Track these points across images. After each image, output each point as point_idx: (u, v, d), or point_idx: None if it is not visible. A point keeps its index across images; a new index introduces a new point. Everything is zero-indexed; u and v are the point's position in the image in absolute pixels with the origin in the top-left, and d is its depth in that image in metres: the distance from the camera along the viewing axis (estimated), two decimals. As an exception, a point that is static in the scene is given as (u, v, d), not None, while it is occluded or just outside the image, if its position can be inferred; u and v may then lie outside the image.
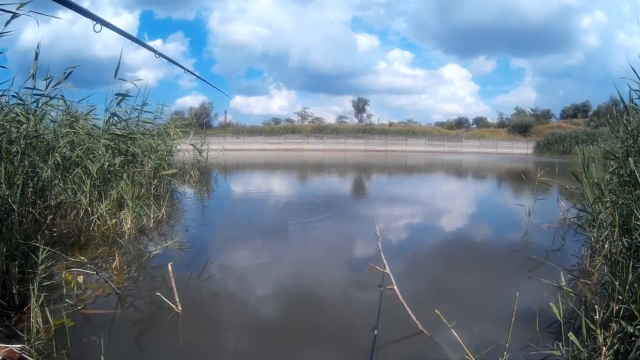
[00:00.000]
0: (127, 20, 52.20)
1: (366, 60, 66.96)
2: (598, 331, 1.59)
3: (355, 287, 2.75)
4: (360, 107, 45.16)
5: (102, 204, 3.97)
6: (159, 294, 2.26)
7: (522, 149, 32.03)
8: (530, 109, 43.09)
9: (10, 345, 1.62)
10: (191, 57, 57.84)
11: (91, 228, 3.78)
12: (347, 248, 3.88)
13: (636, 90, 2.64)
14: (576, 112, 41.58)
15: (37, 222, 3.31)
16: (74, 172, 3.97)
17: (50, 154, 3.61)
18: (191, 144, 7.71)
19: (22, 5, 2.23)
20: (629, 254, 1.98)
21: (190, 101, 51.84)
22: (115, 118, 4.86)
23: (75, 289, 2.37)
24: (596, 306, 1.71)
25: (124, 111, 5.09)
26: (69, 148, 4.12)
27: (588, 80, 58.31)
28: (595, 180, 3.09)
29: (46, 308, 1.92)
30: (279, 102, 61.42)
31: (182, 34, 73.79)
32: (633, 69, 2.56)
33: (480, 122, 45.16)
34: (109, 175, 4.38)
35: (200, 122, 20.01)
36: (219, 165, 11.26)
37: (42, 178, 3.39)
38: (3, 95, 3.28)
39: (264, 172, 13.76)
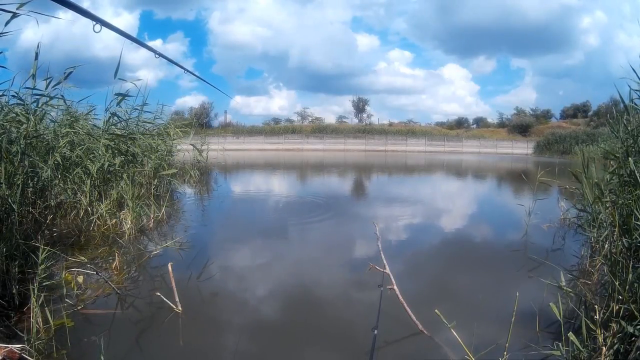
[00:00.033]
0: (127, 20, 52.22)
1: (366, 60, 67.01)
2: (598, 331, 1.59)
3: (355, 287, 2.75)
4: (360, 107, 45.20)
5: (102, 204, 3.97)
6: (159, 294, 2.26)
7: (522, 149, 32.03)
8: (530, 109, 43.14)
9: (10, 345, 1.62)
10: (191, 57, 57.87)
11: (91, 228, 3.78)
12: (347, 248, 3.88)
13: (636, 90, 2.65)
14: (576, 112, 41.57)
15: (37, 222, 3.31)
16: (74, 172, 3.97)
17: (50, 154, 3.61)
18: (191, 144, 7.72)
19: (22, 5, 2.23)
20: (629, 254, 1.98)
21: (190, 101, 51.89)
22: (115, 118, 4.86)
23: (75, 289, 2.37)
24: (596, 306, 1.71)
25: (124, 111, 5.09)
26: (69, 148, 4.12)
27: (588, 80, 58.35)
28: (595, 180, 3.09)
29: (46, 308, 1.92)
30: (279, 102, 61.48)
31: (182, 34, 73.80)
32: (633, 69, 2.56)
33: (480, 122, 45.16)
34: (109, 175, 4.38)
35: (200, 122, 19.99)
36: (219, 165, 11.26)
37: (42, 178, 3.39)
38: (3, 95, 3.28)
39: (264, 172, 13.76)
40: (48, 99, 3.75)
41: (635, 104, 2.74)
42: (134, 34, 1.93)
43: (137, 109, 5.22)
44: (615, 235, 2.10)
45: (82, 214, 3.92)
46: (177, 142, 7.06)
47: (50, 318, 1.92)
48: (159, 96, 26.73)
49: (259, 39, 65.35)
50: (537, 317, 2.06)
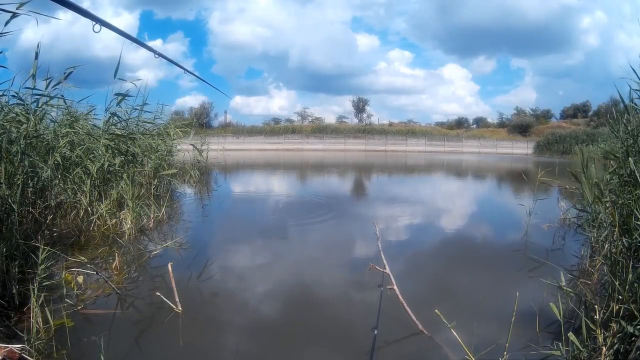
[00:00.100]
0: (127, 20, 52.13)
1: (366, 60, 66.89)
2: (598, 331, 1.59)
3: (355, 287, 2.75)
4: (360, 107, 45.17)
5: (102, 204, 3.97)
6: (159, 294, 2.26)
7: (522, 149, 32.03)
8: (530, 109, 43.11)
9: (10, 345, 1.62)
10: (191, 57, 57.79)
11: (91, 228, 3.78)
12: (347, 248, 3.88)
13: (636, 90, 2.64)
14: (576, 112, 41.56)
15: (37, 222, 3.31)
16: (74, 172, 3.97)
17: (50, 154, 3.61)
18: (191, 144, 7.71)
19: (22, 5, 2.23)
20: (629, 254, 1.98)
21: (190, 101, 51.83)
22: (115, 118, 4.86)
23: (75, 289, 2.37)
24: (596, 306, 1.71)
25: (124, 111, 5.09)
26: (69, 148, 4.12)
27: (588, 80, 58.30)
28: (595, 181, 3.09)
29: (46, 308, 1.92)
30: (279, 102, 61.39)
31: (182, 34, 73.61)
32: (633, 69, 2.56)
33: (480, 122, 45.13)
34: (109, 175, 4.38)
35: (200, 122, 20.02)
36: (219, 165, 11.26)
37: (42, 178, 3.39)
38: (3, 95, 3.28)
39: (264, 172, 13.76)
40: (48, 99, 3.75)
41: (635, 104, 2.74)
42: (134, 34, 1.93)
43: (137, 109, 5.23)
44: (615, 235, 2.10)
45: (82, 214, 3.92)
46: (177, 142, 7.06)
47: (50, 318, 1.92)
48: (159, 96, 26.77)
49: (259, 39, 65.34)
50: (537, 317, 2.06)
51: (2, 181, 2.52)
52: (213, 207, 6.13)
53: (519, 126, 38.19)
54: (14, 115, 3.30)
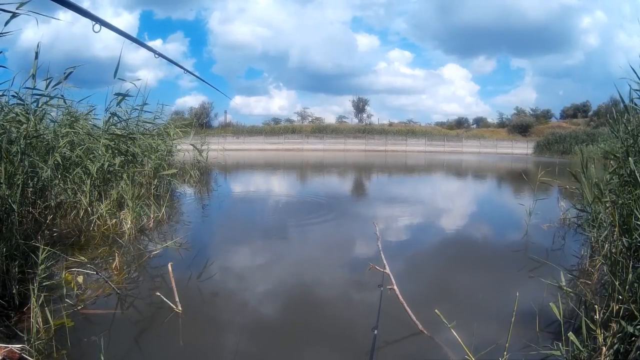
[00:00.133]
0: (127, 20, 52.15)
1: (366, 60, 66.91)
2: (598, 331, 1.59)
3: (355, 287, 2.75)
4: (360, 107, 45.18)
5: (102, 204, 3.97)
6: (159, 294, 2.26)
7: (522, 149, 32.03)
8: (530, 109, 43.11)
9: (10, 345, 1.62)
10: (191, 57, 57.80)
11: (91, 228, 3.78)
12: (347, 248, 3.88)
13: (636, 90, 2.64)
14: (576, 112, 41.55)
15: (37, 222, 3.31)
16: (74, 172, 3.97)
17: (50, 154, 3.61)
18: (191, 144, 7.71)
19: (21, 4, 2.23)
20: (629, 253, 1.98)
21: (190, 101, 51.84)
22: (115, 118, 4.85)
23: (75, 289, 2.37)
24: (596, 306, 1.71)
25: (124, 111, 5.09)
26: (69, 148, 4.12)
27: (588, 80, 58.29)
28: (595, 181, 3.09)
29: (46, 308, 1.92)
30: (279, 102, 61.41)
31: (182, 34, 73.61)
32: (633, 69, 2.56)
33: (480, 122, 45.13)
34: (109, 175, 4.38)
35: (200, 122, 19.97)
36: (219, 165, 11.25)
37: (42, 178, 3.39)
38: (3, 95, 3.28)
39: (264, 172, 13.76)
40: (48, 99, 3.75)
41: (635, 104, 2.73)
42: (134, 34, 1.93)
43: (137, 109, 5.22)
44: (615, 235, 2.10)
45: (82, 214, 3.92)
46: (177, 142, 7.05)
47: (50, 318, 1.92)
48: (159, 96, 26.75)
49: (259, 39, 65.35)
50: (537, 317, 2.06)
51: (2, 181, 2.52)
52: (213, 207, 6.13)
53: (519, 126, 38.19)
54: (14, 115, 3.30)
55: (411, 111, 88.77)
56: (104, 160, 4.22)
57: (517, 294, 1.60)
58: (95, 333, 1.94)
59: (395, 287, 2.14)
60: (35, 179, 3.32)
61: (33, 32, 2.77)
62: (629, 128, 2.70)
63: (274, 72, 65.90)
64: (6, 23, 2.35)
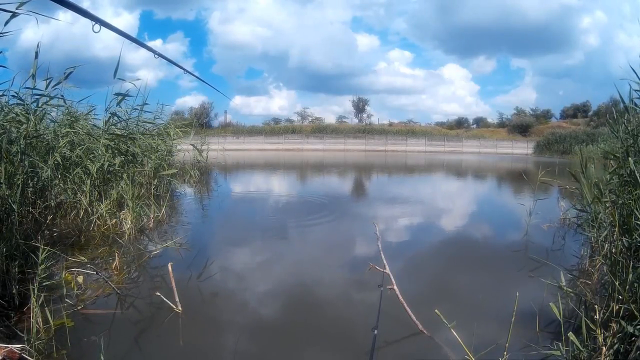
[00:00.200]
0: (127, 20, 52.12)
1: (366, 60, 66.86)
2: (598, 331, 1.60)
3: (355, 287, 2.75)
4: (360, 107, 45.16)
5: (102, 204, 3.97)
6: (159, 294, 2.26)
7: (522, 149, 32.03)
8: (530, 109, 43.09)
9: (10, 345, 1.62)
10: (191, 57, 57.78)
11: (91, 228, 3.78)
12: (347, 248, 3.88)
13: (636, 90, 2.64)
14: (576, 112, 41.54)
15: (37, 222, 3.31)
16: (74, 172, 3.97)
17: (50, 154, 3.61)
18: (191, 144, 7.72)
19: (21, 4, 2.23)
20: (629, 254, 1.98)
21: (190, 101, 51.87)
22: (115, 118, 4.85)
23: (75, 289, 2.37)
24: (596, 306, 1.71)
25: (124, 111, 5.08)
26: (69, 148, 4.12)
27: (588, 80, 58.27)
28: (595, 181, 3.09)
29: (46, 308, 1.92)
30: (279, 102, 61.36)
31: (182, 34, 73.50)
32: (633, 69, 2.56)
33: (480, 122, 45.12)
34: (109, 175, 4.38)
35: (200, 122, 19.99)
36: (219, 165, 11.25)
37: (42, 178, 3.39)
38: (3, 95, 3.28)
39: (264, 172, 13.76)
40: (48, 99, 3.75)
41: (635, 104, 2.73)
42: (134, 34, 1.93)
43: (137, 109, 5.22)
44: (615, 235, 2.10)
45: (82, 214, 3.92)
46: (177, 142, 7.05)
47: (50, 318, 1.92)
48: (159, 96, 26.78)
49: (259, 39, 65.32)
50: (537, 317, 2.06)
51: (2, 181, 2.52)
52: (213, 207, 6.14)
53: (519, 126, 38.18)
54: (14, 115, 3.30)
55: (411, 111, 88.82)
56: (104, 160, 4.22)
57: (517, 294, 1.60)
58: (95, 333, 1.94)
59: (395, 287, 2.14)
60: (35, 179, 3.32)
61: (33, 32, 2.77)
62: (629, 128, 2.69)
63: (274, 72, 65.93)
64: (6, 23, 2.35)
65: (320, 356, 1.95)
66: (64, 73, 3.78)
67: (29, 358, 1.64)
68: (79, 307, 2.24)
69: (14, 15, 2.22)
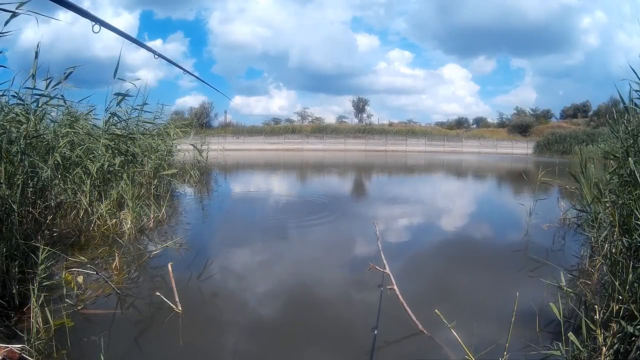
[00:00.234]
0: (127, 20, 52.13)
1: (366, 60, 66.85)
2: (598, 331, 1.60)
3: (355, 287, 2.75)
4: (360, 107, 45.15)
5: (102, 204, 3.97)
6: (159, 294, 2.26)
7: (522, 149, 32.03)
8: (530, 109, 43.09)
9: (10, 345, 1.62)
10: (191, 57, 57.79)
11: (91, 228, 3.78)
12: (347, 248, 3.88)
13: (636, 90, 2.64)
14: (576, 112, 41.54)
15: (37, 222, 3.31)
16: (74, 172, 3.97)
17: (50, 154, 3.61)
18: (191, 144, 7.72)
19: (21, 4, 2.23)
20: (629, 254, 1.98)
21: (190, 101, 51.84)
22: (115, 118, 4.85)
23: (75, 289, 2.37)
24: (596, 306, 1.71)
25: (124, 111, 5.08)
26: (69, 148, 4.12)
27: (588, 80, 58.27)
28: (595, 181, 3.09)
29: (46, 308, 1.92)
30: (279, 102, 61.36)
31: (182, 34, 73.49)
32: (633, 69, 2.55)
33: (480, 122, 45.11)
34: (109, 175, 4.38)
35: (200, 122, 19.96)
36: (219, 165, 11.25)
37: (42, 178, 3.39)
38: (3, 95, 3.28)
39: (264, 172, 13.76)
40: (48, 99, 3.75)
41: (636, 104, 2.73)
42: (133, 34, 1.93)
43: (137, 109, 5.22)
44: (615, 235, 2.10)
45: (82, 214, 3.92)
46: (177, 142, 7.06)
47: (50, 318, 1.92)
48: (159, 96, 26.79)
49: (259, 39, 65.31)
50: (537, 317, 2.06)
51: (2, 181, 2.52)
52: (213, 207, 6.13)
53: (519, 126, 38.18)
54: (14, 115, 3.30)
55: (411, 111, 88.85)
56: (104, 160, 4.22)
57: (517, 294, 1.60)
58: (95, 333, 1.94)
59: (395, 287, 2.14)
60: (35, 179, 3.32)
61: (33, 32, 2.77)
62: (629, 128, 2.69)
63: (274, 72, 65.93)
64: (6, 23, 2.35)
65: (320, 356, 1.95)
66: (64, 73, 3.78)
67: (29, 358, 1.64)
68: (79, 307, 2.24)
69: (14, 15, 2.22)
